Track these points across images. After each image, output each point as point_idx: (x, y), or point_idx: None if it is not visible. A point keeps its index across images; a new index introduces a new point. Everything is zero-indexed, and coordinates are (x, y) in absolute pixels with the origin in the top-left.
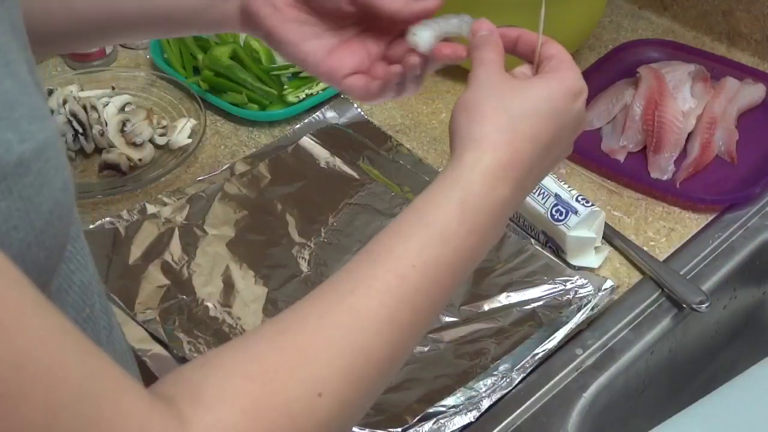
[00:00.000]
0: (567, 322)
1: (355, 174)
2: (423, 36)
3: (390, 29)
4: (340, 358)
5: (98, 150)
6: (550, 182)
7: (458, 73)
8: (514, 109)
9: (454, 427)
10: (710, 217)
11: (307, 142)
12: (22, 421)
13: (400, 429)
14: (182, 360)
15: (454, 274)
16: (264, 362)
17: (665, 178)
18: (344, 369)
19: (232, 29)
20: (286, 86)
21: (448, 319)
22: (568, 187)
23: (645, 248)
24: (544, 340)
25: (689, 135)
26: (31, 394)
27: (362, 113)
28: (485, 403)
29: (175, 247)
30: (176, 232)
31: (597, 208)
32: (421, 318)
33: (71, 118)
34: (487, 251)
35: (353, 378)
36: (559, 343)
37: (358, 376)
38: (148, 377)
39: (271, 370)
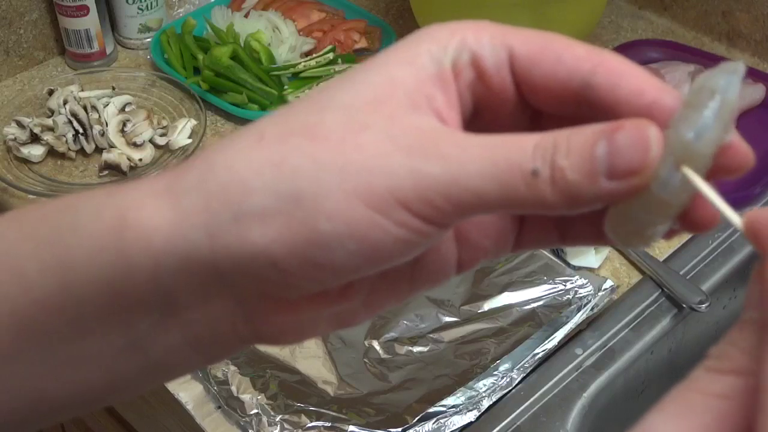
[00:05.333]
0: (567, 322)
1: None
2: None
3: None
4: None
5: (98, 150)
6: None
7: None
8: None
9: (454, 427)
10: None
11: None
12: None
13: (400, 429)
14: None
15: None
16: None
17: None
18: None
19: None
20: (286, 86)
21: (448, 319)
22: None
23: (644, 248)
24: (544, 340)
25: None
26: None
27: None
28: (485, 403)
29: None
30: None
31: None
32: None
33: (71, 118)
34: None
35: None
36: (559, 343)
37: None
38: None
39: None
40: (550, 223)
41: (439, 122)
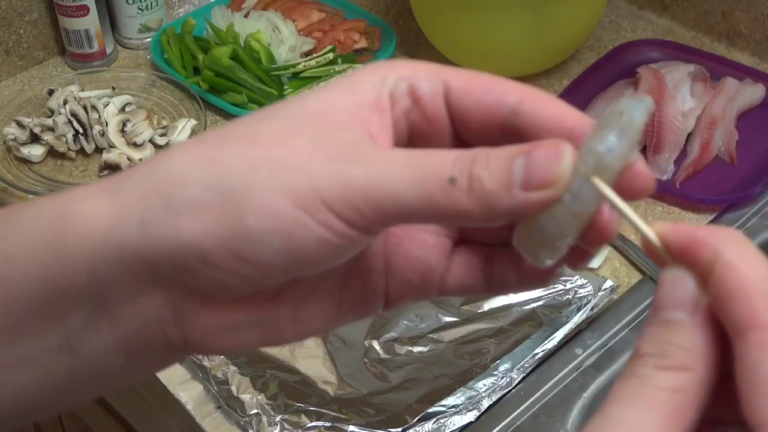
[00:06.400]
0: (567, 322)
1: None
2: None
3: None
4: None
5: (98, 150)
6: None
7: None
8: None
9: (454, 427)
10: (710, 218)
11: None
12: None
13: (400, 429)
14: (182, 360)
15: None
16: None
17: (665, 178)
18: None
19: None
20: (286, 86)
21: (448, 319)
22: None
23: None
24: (544, 340)
25: (689, 135)
26: None
27: None
28: (485, 403)
29: None
30: None
31: None
32: None
33: (71, 118)
34: None
35: None
36: (559, 343)
37: None
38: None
39: None
40: (477, 267)
41: (369, 139)
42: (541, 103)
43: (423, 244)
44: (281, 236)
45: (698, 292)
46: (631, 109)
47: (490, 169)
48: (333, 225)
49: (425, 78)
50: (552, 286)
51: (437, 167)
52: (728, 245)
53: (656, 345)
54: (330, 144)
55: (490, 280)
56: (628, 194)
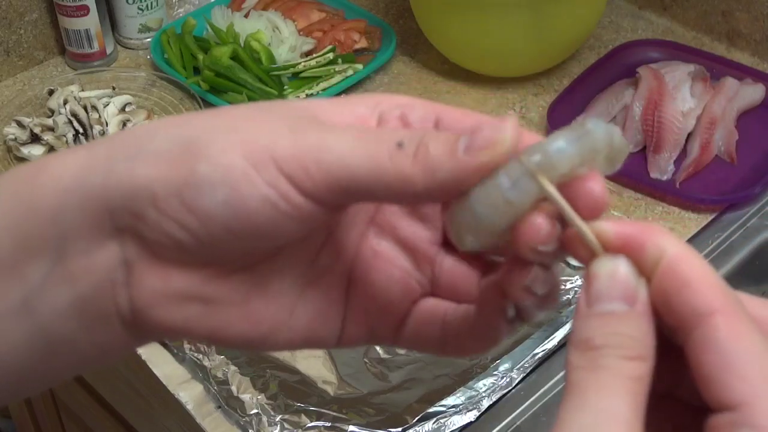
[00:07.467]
0: (567, 322)
1: None
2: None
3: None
4: None
5: None
6: None
7: (459, 73)
8: None
9: (454, 427)
10: (710, 217)
11: None
12: None
13: (400, 429)
14: (182, 360)
15: None
16: None
17: (665, 178)
18: None
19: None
20: (286, 86)
21: None
22: None
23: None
24: (544, 340)
25: (689, 135)
26: None
27: None
28: (485, 403)
29: None
30: None
31: None
32: None
33: (72, 118)
34: None
35: None
36: (559, 343)
37: None
38: (147, 376)
39: None
40: (437, 320)
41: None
42: (529, 138)
43: (390, 277)
44: (226, 187)
45: (637, 284)
46: (594, 124)
47: (438, 139)
48: (279, 185)
49: (419, 107)
50: None
51: (388, 135)
52: (667, 240)
53: (611, 337)
54: (296, 119)
55: (445, 329)
56: (578, 208)
